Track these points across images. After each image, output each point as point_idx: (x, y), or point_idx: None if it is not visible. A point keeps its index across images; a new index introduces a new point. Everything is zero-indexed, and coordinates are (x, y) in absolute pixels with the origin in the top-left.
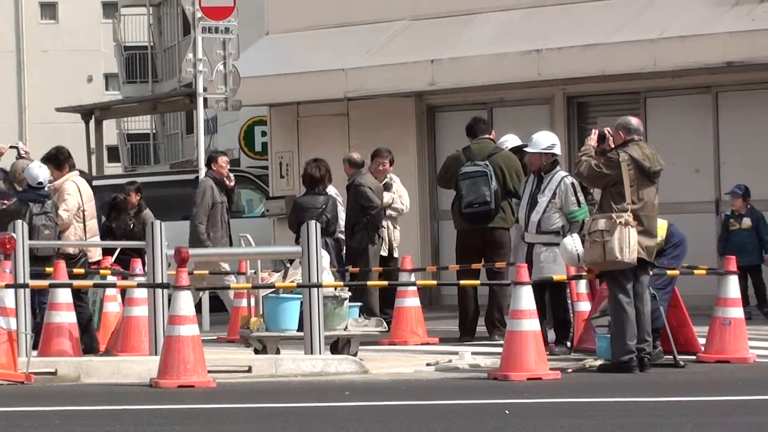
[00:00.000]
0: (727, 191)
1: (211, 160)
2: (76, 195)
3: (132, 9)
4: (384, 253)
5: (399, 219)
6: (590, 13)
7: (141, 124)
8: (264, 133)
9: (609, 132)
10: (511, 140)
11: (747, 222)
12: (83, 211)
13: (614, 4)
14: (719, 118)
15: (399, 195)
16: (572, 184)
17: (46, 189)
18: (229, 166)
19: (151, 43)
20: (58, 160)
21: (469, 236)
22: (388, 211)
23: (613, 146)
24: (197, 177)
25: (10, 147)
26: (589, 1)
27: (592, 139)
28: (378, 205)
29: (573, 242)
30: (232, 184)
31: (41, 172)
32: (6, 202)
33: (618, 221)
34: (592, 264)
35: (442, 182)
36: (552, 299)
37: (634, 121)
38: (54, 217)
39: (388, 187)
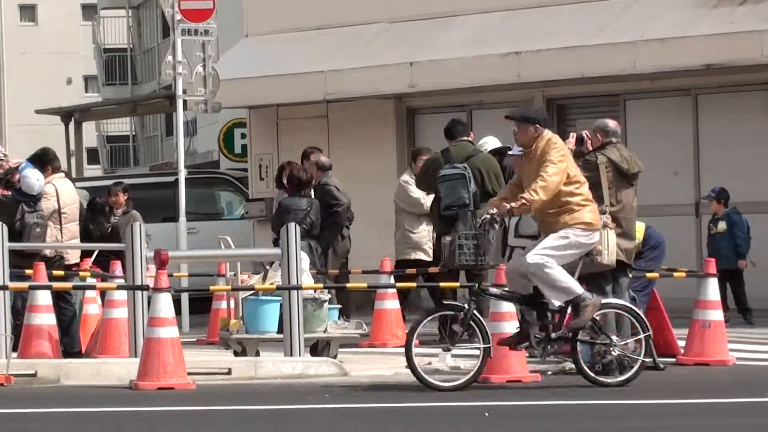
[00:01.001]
0: (705, 195)
1: (303, 156)
2: (53, 198)
3: (111, 11)
4: (426, 257)
5: (378, 220)
6: (569, 16)
7: (121, 126)
8: (243, 135)
9: (587, 135)
10: (490, 142)
11: (722, 226)
12: (60, 214)
13: (594, 7)
14: (699, 120)
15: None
16: None
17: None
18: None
19: (131, 45)
20: (41, 161)
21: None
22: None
23: (591, 149)
24: (176, 179)
25: None
26: (569, 3)
27: (570, 143)
28: (344, 204)
29: None
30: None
31: (37, 185)
32: (4, 192)
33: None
34: (572, 266)
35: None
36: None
37: (612, 123)
38: (44, 216)
39: None
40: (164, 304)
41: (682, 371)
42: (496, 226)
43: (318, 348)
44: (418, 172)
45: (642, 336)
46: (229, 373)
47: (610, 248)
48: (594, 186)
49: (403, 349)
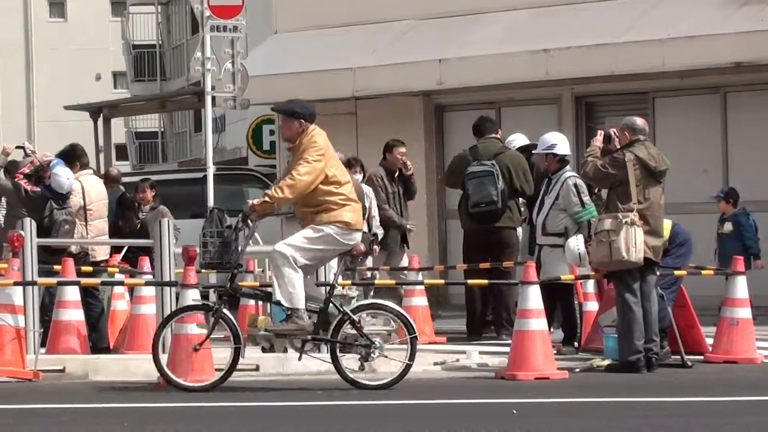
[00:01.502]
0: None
1: (385, 149)
2: (78, 195)
3: (140, 7)
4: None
5: (411, 219)
6: (598, 13)
7: (149, 122)
8: (272, 132)
9: (614, 132)
10: (518, 139)
11: (728, 227)
12: (86, 211)
13: (622, 4)
14: (727, 118)
15: None
16: (575, 185)
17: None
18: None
19: (160, 42)
20: (68, 157)
21: (476, 236)
22: None
23: (618, 146)
24: (205, 175)
25: (17, 147)
26: (598, 0)
27: (598, 140)
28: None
29: (576, 242)
30: (410, 172)
31: (67, 184)
32: (34, 188)
33: (624, 221)
34: (600, 264)
35: (449, 182)
36: (559, 299)
37: (640, 121)
38: (73, 212)
39: None
40: (192, 300)
41: (709, 369)
42: (247, 228)
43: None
44: (447, 170)
45: (408, 338)
46: (256, 369)
47: (637, 246)
48: (622, 183)
49: (432, 346)
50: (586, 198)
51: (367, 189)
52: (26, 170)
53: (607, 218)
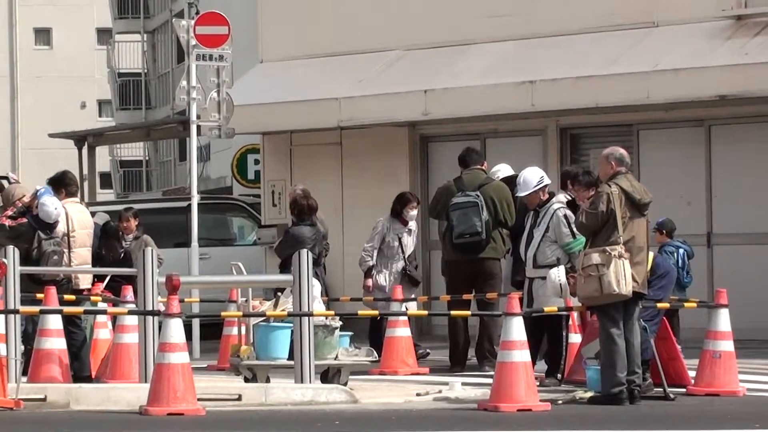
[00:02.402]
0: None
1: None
2: (62, 222)
3: (126, 36)
4: None
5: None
6: (584, 45)
7: (134, 150)
8: (257, 161)
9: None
10: (503, 170)
11: None
12: (69, 238)
13: (608, 37)
14: (712, 151)
15: None
16: (565, 216)
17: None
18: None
19: (145, 70)
20: (57, 183)
21: (459, 266)
22: None
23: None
24: (189, 204)
25: (1, 177)
26: (584, 33)
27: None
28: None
29: (557, 273)
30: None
31: (54, 213)
32: (20, 221)
33: (612, 254)
34: (588, 299)
35: (432, 213)
36: (549, 332)
37: (623, 152)
38: (61, 242)
39: None
40: (175, 329)
41: (692, 401)
42: None
43: (328, 375)
44: (431, 201)
45: None
46: (239, 399)
47: (627, 279)
48: (609, 217)
49: (414, 377)
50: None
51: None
52: (10, 212)
53: (594, 252)
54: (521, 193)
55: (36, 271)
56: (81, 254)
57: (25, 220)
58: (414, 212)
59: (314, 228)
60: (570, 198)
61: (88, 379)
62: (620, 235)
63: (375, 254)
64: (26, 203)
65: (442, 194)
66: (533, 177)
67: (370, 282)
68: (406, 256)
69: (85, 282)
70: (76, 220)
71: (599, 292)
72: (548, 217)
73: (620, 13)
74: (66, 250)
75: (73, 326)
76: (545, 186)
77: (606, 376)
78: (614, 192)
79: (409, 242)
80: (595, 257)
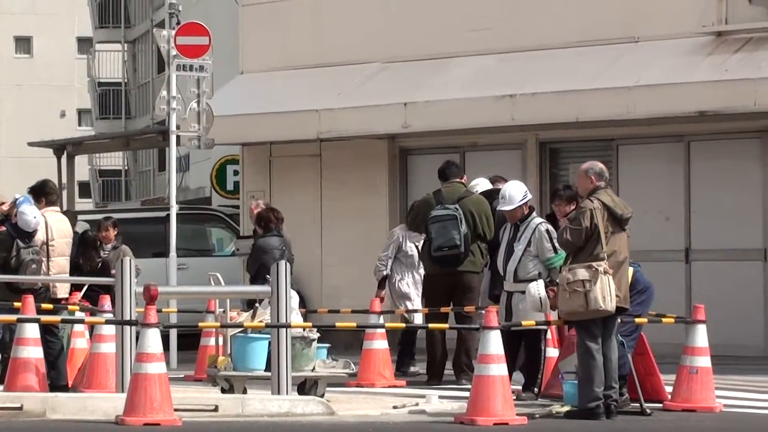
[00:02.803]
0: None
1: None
2: (42, 230)
3: (107, 45)
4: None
5: (369, 260)
6: (565, 60)
7: (113, 160)
8: (236, 172)
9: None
10: (482, 184)
11: None
12: (48, 246)
13: (590, 51)
14: (691, 166)
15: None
16: (547, 230)
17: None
18: None
19: (125, 80)
20: (36, 193)
21: (438, 279)
22: None
23: (580, 194)
24: (168, 214)
25: None
26: (565, 47)
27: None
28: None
29: (537, 288)
30: None
31: (33, 222)
32: None
33: (599, 270)
34: (572, 314)
35: (411, 226)
36: (527, 346)
37: (603, 167)
38: (39, 251)
39: None
40: (152, 339)
41: (668, 417)
42: None
43: (306, 387)
44: (410, 214)
45: None
46: (215, 410)
47: (612, 294)
48: (593, 232)
49: (391, 390)
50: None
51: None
52: None
53: (580, 268)
54: (506, 208)
55: (14, 279)
56: (59, 263)
57: (3, 228)
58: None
59: (282, 239)
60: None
61: (64, 389)
62: (604, 251)
63: (390, 264)
64: (5, 212)
65: (421, 207)
66: (518, 192)
67: (382, 293)
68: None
69: (62, 291)
70: (56, 228)
71: (584, 308)
72: (530, 232)
73: (602, 28)
74: (45, 259)
75: (50, 335)
76: (528, 201)
77: (583, 391)
78: (597, 207)
79: None
80: (582, 273)
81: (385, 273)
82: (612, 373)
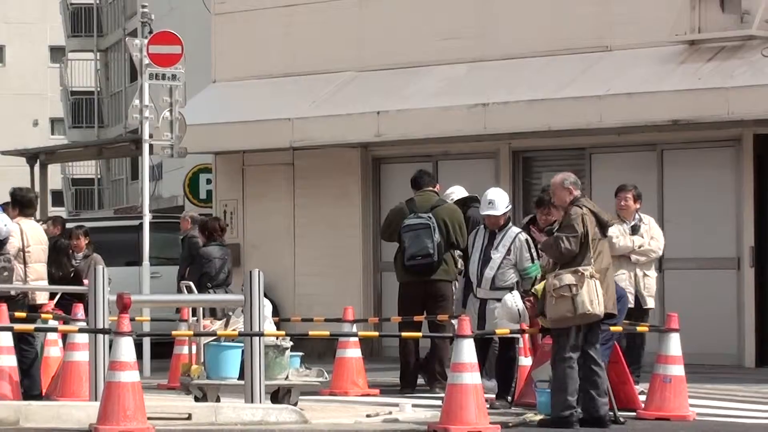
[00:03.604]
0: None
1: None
2: (17, 236)
3: (79, 54)
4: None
5: (342, 269)
6: (537, 69)
7: (86, 169)
8: (209, 181)
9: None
10: (457, 192)
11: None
12: (24, 253)
13: (561, 60)
14: (664, 175)
15: (651, 237)
16: (526, 240)
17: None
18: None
19: (98, 89)
20: (13, 199)
21: (411, 288)
22: (634, 257)
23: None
24: (141, 223)
25: None
26: (536, 56)
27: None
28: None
29: (513, 299)
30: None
31: (5, 230)
32: None
33: (585, 274)
34: (561, 319)
35: (384, 236)
36: (501, 354)
37: (576, 177)
38: (10, 258)
39: (635, 229)
40: (125, 348)
41: (642, 425)
42: None
43: (279, 395)
44: (383, 224)
45: None
46: (189, 418)
47: (599, 298)
48: (581, 239)
49: (364, 398)
50: (535, 253)
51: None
52: None
53: (566, 273)
54: (493, 213)
55: None
56: (36, 269)
57: None
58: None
59: (224, 248)
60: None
61: (38, 397)
62: (592, 257)
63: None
64: None
65: (395, 216)
66: (503, 200)
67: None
68: None
69: (42, 297)
70: (30, 235)
71: (572, 312)
72: (509, 240)
73: (573, 36)
74: (21, 266)
75: (24, 344)
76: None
77: (557, 399)
78: (586, 213)
79: None
80: (568, 278)
81: None
82: (606, 382)
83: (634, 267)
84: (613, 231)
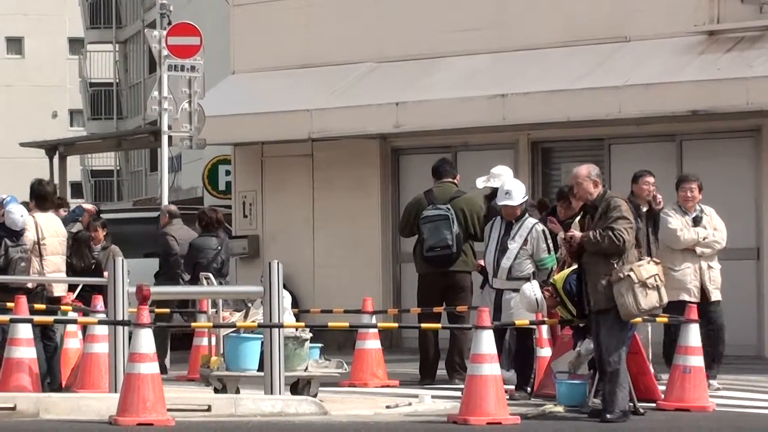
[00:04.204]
0: None
1: (632, 180)
2: (32, 229)
3: (98, 45)
4: (691, 298)
5: (361, 260)
6: (556, 59)
7: (105, 160)
8: (228, 172)
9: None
10: (505, 174)
11: None
12: (40, 245)
13: (580, 51)
14: (683, 166)
15: (714, 228)
16: (543, 231)
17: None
18: (653, 187)
19: (117, 80)
20: (31, 192)
21: (430, 279)
22: (699, 249)
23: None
24: (160, 215)
25: None
26: (556, 47)
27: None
28: (176, 253)
29: (532, 288)
30: (660, 206)
31: (21, 221)
32: None
33: (659, 264)
34: (653, 310)
35: (403, 232)
36: (519, 345)
37: None
38: (28, 250)
39: (697, 221)
40: (145, 339)
41: (661, 416)
42: None
43: (298, 386)
44: (401, 219)
45: None
46: (208, 410)
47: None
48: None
49: (384, 389)
50: (551, 244)
51: None
52: None
53: (649, 264)
54: (510, 203)
55: (8, 280)
56: (53, 261)
57: None
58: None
59: (219, 239)
60: None
61: (58, 389)
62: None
63: None
64: None
65: (412, 209)
66: (521, 190)
67: None
68: None
69: (59, 289)
70: (46, 228)
71: (660, 302)
72: (525, 231)
73: (592, 27)
74: (38, 258)
75: (45, 338)
76: (527, 199)
77: (623, 394)
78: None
79: None
80: (653, 268)
81: None
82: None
83: (698, 260)
84: (675, 224)
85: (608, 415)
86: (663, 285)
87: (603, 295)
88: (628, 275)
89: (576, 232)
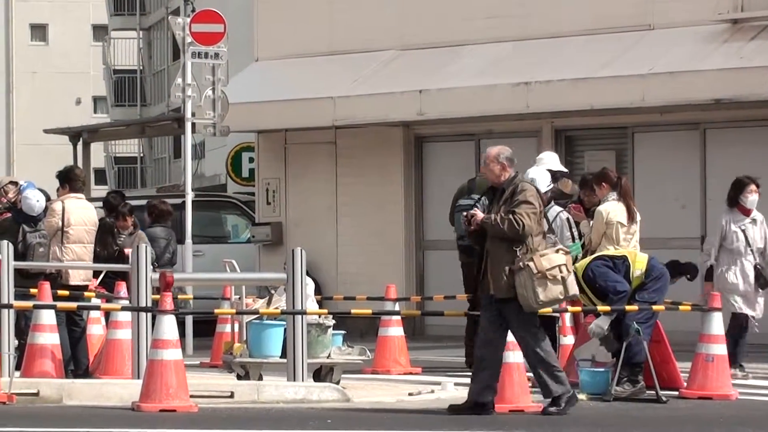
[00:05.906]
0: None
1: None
2: (58, 216)
3: (122, 32)
4: None
5: (385, 247)
6: (580, 47)
7: (129, 147)
8: (251, 160)
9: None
10: (547, 159)
11: None
12: (63, 233)
13: (604, 39)
14: (707, 154)
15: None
16: (567, 219)
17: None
18: None
19: (141, 67)
20: (61, 179)
21: (468, 268)
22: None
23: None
24: (183, 201)
25: None
26: (579, 35)
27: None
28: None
29: (601, 323)
30: None
31: (37, 206)
32: (5, 215)
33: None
34: (554, 302)
35: (450, 219)
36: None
37: None
38: (46, 235)
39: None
40: (168, 326)
41: (684, 404)
42: None
43: (321, 373)
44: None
45: None
46: (231, 396)
47: None
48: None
49: (406, 377)
50: (576, 232)
51: None
52: None
53: (557, 253)
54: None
55: (28, 266)
56: (74, 250)
57: (9, 214)
58: (754, 197)
59: (168, 230)
60: None
61: (82, 375)
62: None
63: (713, 252)
64: (11, 199)
65: (455, 197)
66: (545, 178)
67: (709, 287)
68: (754, 251)
69: (76, 278)
70: (74, 216)
71: (564, 294)
72: (550, 219)
73: (616, 15)
74: (60, 244)
75: (72, 323)
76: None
77: (561, 376)
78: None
79: (756, 234)
80: (559, 258)
81: (709, 263)
82: None
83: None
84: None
85: (552, 408)
86: (570, 275)
87: (505, 283)
88: (528, 265)
89: (478, 212)
